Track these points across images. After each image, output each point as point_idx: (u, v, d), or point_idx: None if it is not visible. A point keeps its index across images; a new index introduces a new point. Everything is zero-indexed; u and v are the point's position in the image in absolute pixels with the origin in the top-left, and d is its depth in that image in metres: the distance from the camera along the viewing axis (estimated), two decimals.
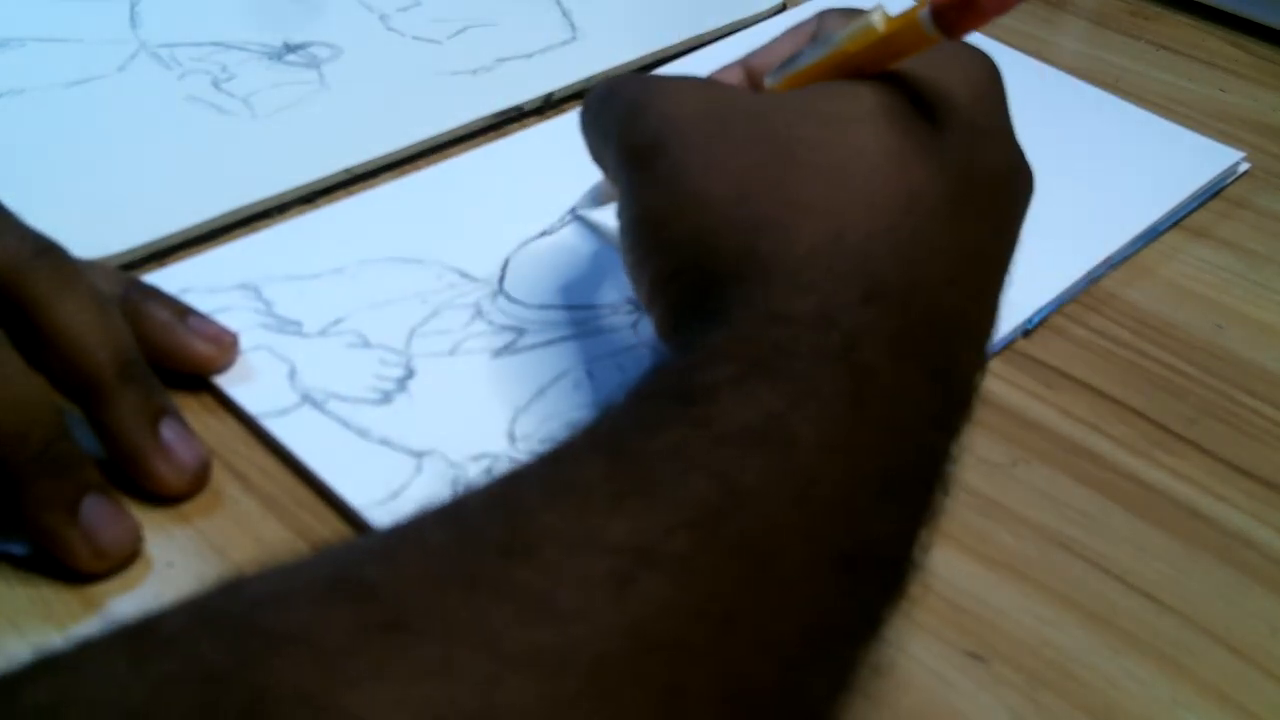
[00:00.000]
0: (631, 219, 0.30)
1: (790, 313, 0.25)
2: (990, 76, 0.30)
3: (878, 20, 0.28)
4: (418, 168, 0.43)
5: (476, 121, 0.45)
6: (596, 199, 0.39)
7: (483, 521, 0.21)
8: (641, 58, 0.50)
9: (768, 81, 0.32)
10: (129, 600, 0.29)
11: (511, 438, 0.33)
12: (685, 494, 0.22)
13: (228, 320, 0.35)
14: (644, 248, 0.30)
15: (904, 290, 0.26)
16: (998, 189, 0.29)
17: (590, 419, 0.24)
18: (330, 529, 0.31)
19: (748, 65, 0.35)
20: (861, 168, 0.27)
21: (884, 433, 0.25)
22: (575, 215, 0.41)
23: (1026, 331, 0.40)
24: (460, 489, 0.23)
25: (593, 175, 0.43)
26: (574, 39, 0.51)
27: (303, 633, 0.19)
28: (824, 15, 0.33)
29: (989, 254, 0.29)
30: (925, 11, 0.26)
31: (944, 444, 0.27)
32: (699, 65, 0.50)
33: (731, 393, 0.23)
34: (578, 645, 0.19)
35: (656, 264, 0.29)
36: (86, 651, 0.20)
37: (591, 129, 0.33)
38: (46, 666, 0.19)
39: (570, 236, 0.41)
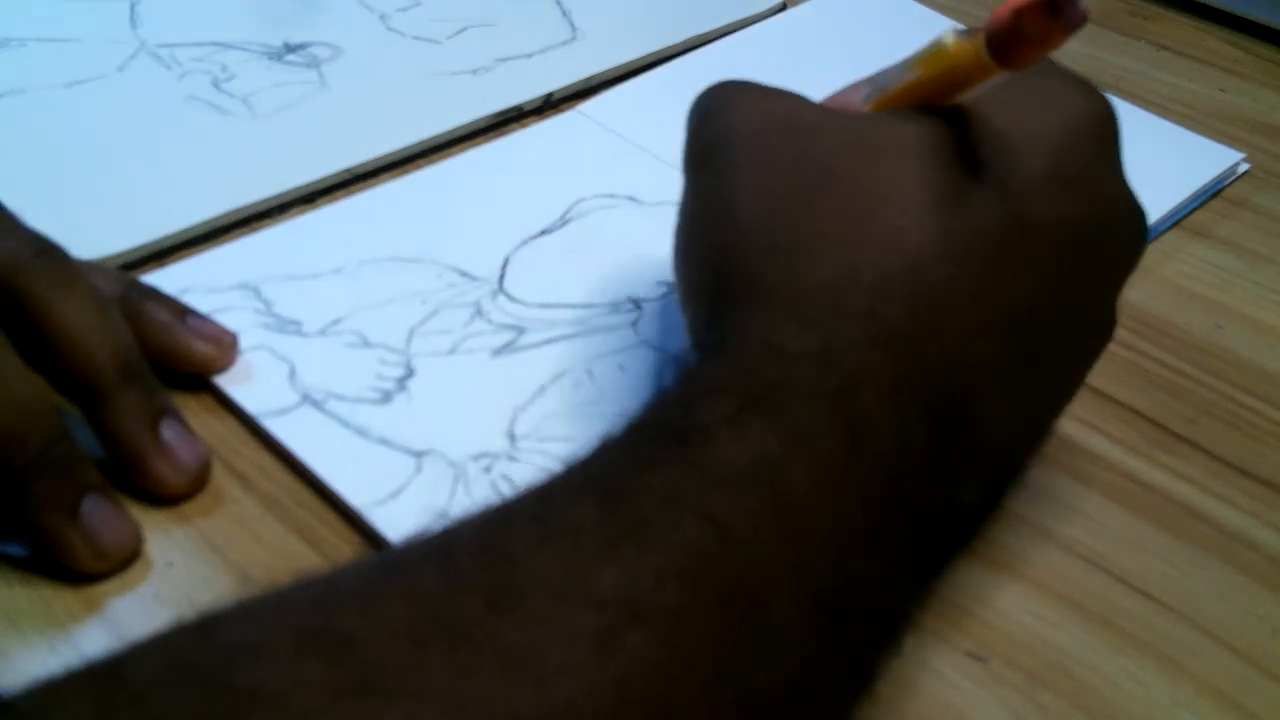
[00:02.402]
0: (678, 223, 0.31)
1: (791, 348, 0.25)
2: (1092, 119, 0.29)
3: (948, 40, 0.27)
4: (418, 168, 0.43)
5: (476, 121, 0.45)
6: None
7: (470, 565, 0.21)
8: (641, 58, 0.50)
9: (859, 102, 0.31)
10: (129, 600, 0.29)
11: (511, 437, 0.33)
12: (677, 540, 0.21)
13: (227, 320, 0.35)
14: (681, 254, 0.30)
15: (917, 337, 0.25)
16: (1072, 244, 0.27)
17: (586, 451, 0.24)
18: (330, 529, 0.31)
19: (874, 83, 0.33)
20: (894, 203, 0.26)
21: (878, 481, 0.24)
22: None
23: None
24: (451, 521, 0.22)
25: (592, 174, 0.43)
26: (574, 39, 0.51)
27: (277, 693, 0.18)
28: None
29: (1047, 315, 0.27)
30: (985, 31, 0.25)
31: (946, 497, 0.26)
32: (699, 65, 0.50)
33: (727, 432, 0.23)
34: (560, 707, 0.19)
35: (687, 273, 0.30)
36: (51, 698, 0.19)
37: (686, 123, 0.33)
38: (7, 711, 0.19)
39: (571, 235, 0.41)
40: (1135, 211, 0.30)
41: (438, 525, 0.22)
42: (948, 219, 0.26)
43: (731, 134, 0.29)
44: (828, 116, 0.29)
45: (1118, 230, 0.29)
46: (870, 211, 0.26)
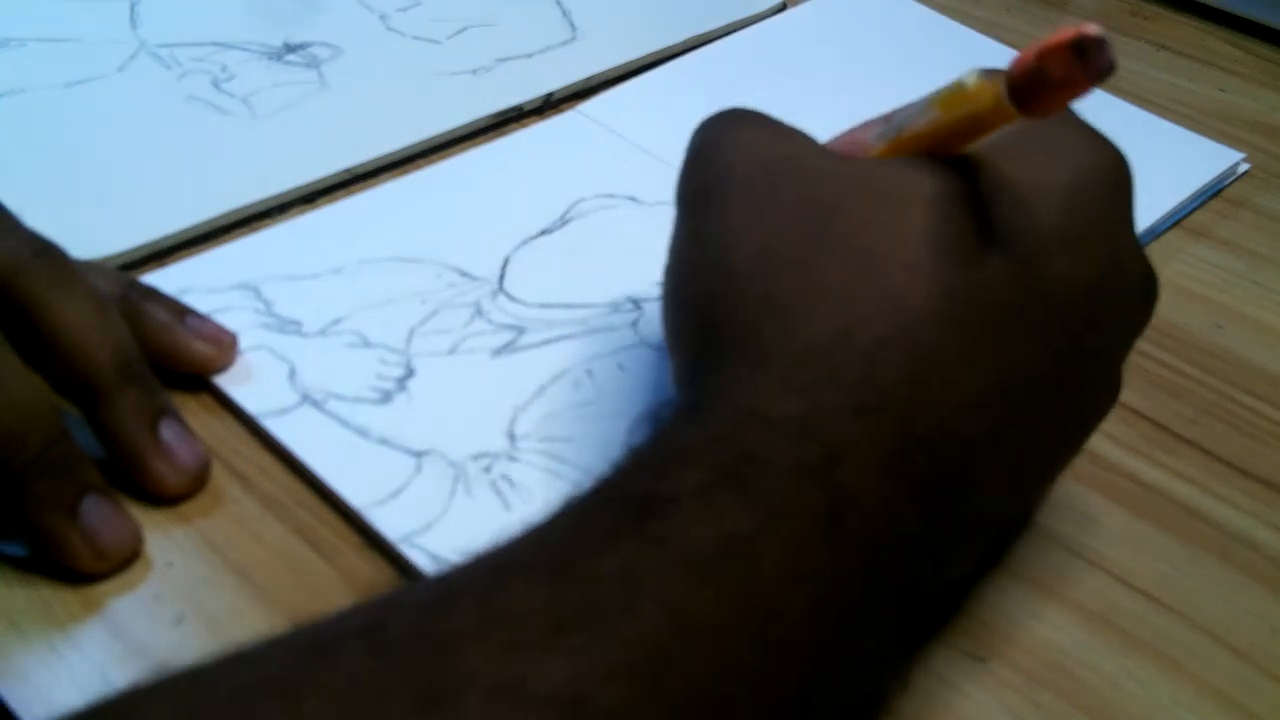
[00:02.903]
0: (668, 264, 0.29)
1: (773, 414, 0.23)
2: (1105, 174, 0.27)
3: (969, 81, 0.25)
4: (418, 168, 0.43)
5: (476, 121, 0.45)
6: None
7: (403, 654, 0.19)
8: (641, 58, 0.50)
9: (871, 138, 0.30)
10: (129, 600, 0.29)
11: (511, 437, 0.33)
12: (631, 629, 0.19)
13: (227, 320, 0.35)
14: (669, 298, 0.29)
15: (908, 405, 0.24)
16: (1079, 307, 0.26)
17: (546, 515, 0.22)
18: (330, 529, 0.31)
19: (890, 119, 0.31)
20: (896, 259, 0.25)
21: (859, 562, 0.22)
22: None
23: None
24: (394, 592, 0.21)
25: (592, 174, 0.43)
26: (574, 39, 0.51)
27: None
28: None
29: (1050, 381, 0.26)
30: (1004, 83, 0.24)
31: (933, 574, 0.25)
32: (699, 65, 0.50)
33: (693, 507, 0.21)
34: None
35: (675, 318, 0.28)
36: None
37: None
38: None
39: (570, 235, 0.41)
40: (1146, 273, 0.28)
41: (379, 595, 0.21)
42: (951, 279, 0.25)
43: (730, 175, 0.27)
44: (833, 162, 0.27)
45: (1127, 292, 0.28)
46: (870, 268, 0.25)
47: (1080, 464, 0.35)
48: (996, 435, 0.25)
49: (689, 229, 0.28)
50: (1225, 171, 0.47)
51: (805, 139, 0.29)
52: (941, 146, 0.27)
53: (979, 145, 0.27)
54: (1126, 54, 0.55)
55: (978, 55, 0.53)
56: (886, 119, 0.31)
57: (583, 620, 0.19)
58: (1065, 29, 0.23)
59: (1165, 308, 0.41)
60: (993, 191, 0.26)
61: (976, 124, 0.26)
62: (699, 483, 0.22)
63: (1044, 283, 0.26)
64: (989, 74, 0.25)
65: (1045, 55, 0.23)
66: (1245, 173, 0.48)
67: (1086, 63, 0.23)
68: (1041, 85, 0.23)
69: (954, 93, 0.26)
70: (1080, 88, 0.23)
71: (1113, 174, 0.28)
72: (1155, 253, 0.43)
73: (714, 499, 0.22)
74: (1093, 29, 0.23)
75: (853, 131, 0.31)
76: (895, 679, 0.24)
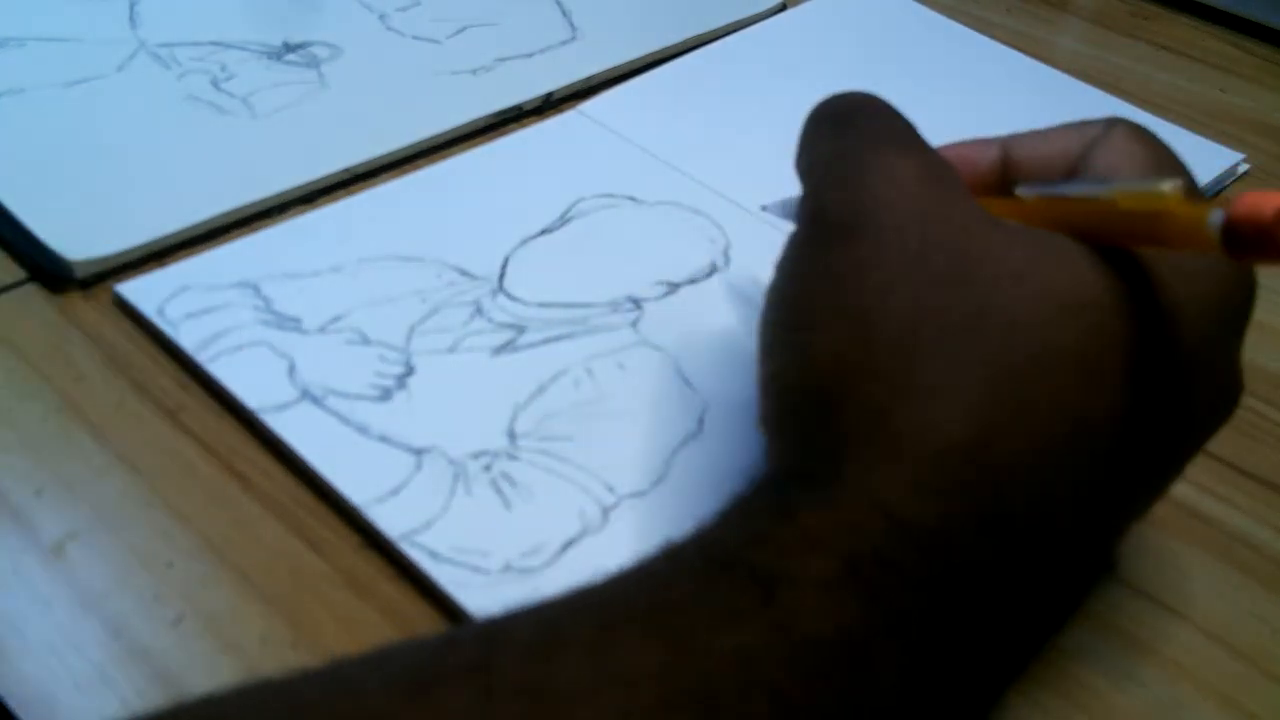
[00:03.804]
0: (782, 293, 0.27)
1: (904, 516, 0.22)
2: (1238, 294, 0.26)
3: (1169, 191, 0.23)
4: (417, 167, 0.43)
5: (476, 121, 0.45)
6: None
7: (509, 703, 0.19)
8: (641, 58, 0.50)
9: (1020, 192, 0.28)
10: (129, 600, 0.29)
11: (511, 435, 0.33)
12: (741, 713, 0.19)
13: (226, 317, 0.35)
14: (779, 332, 0.26)
15: (1034, 522, 0.23)
16: (1188, 427, 0.26)
17: (653, 560, 0.22)
18: (330, 530, 0.31)
19: (1008, 149, 0.30)
20: (1046, 371, 0.23)
21: (969, 665, 0.22)
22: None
23: None
24: (502, 620, 0.20)
25: (592, 174, 0.43)
26: (574, 39, 0.51)
27: None
28: (1113, 126, 0.28)
29: (1140, 492, 0.26)
30: (1217, 217, 0.22)
31: (1028, 660, 0.25)
32: (699, 65, 0.50)
33: (817, 598, 0.21)
34: None
35: (782, 358, 0.26)
36: None
37: (805, 147, 0.29)
38: None
39: (570, 235, 0.41)
40: (1238, 386, 0.28)
41: (481, 625, 0.20)
42: (1092, 402, 0.23)
43: (883, 216, 0.25)
44: (996, 229, 0.25)
45: (1224, 409, 0.28)
46: (1020, 372, 0.23)
47: None
48: (1094, 544, 0.26)
49: (822, 262, 0.26)
50: (1225, 172, 0.47)
51: (960, 185, 0.26)
52: (1097, 234, 0.25)
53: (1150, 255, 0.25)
54: (1126, 54, 0.55)
55: (978, 55, 0.53)
56: (1004, 145, 0.29)
57: (694, 696, 0.19)
58: None
59: None
60: (1150, 307, 0.24)
61: (1157, 237, 0.24)
62: (823, 574, 0.21)
63: (1161, 409, 0.25)
64: (1177, 188, 0.23)
65: (1276, 227, 0.21)
66: (1245, 173, 0.48)
67: None
68: (1267, 240, 0.21)
69: (1149, 198, 0.24)
70: None
71: (1243, 296, 0.27)
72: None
73: (837, 594, 0.21)
74: None
75: (962, 148, 0.30)
76: None
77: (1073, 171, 0.28)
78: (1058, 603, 0.25)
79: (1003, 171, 0.30)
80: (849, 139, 0.27)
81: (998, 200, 0.28)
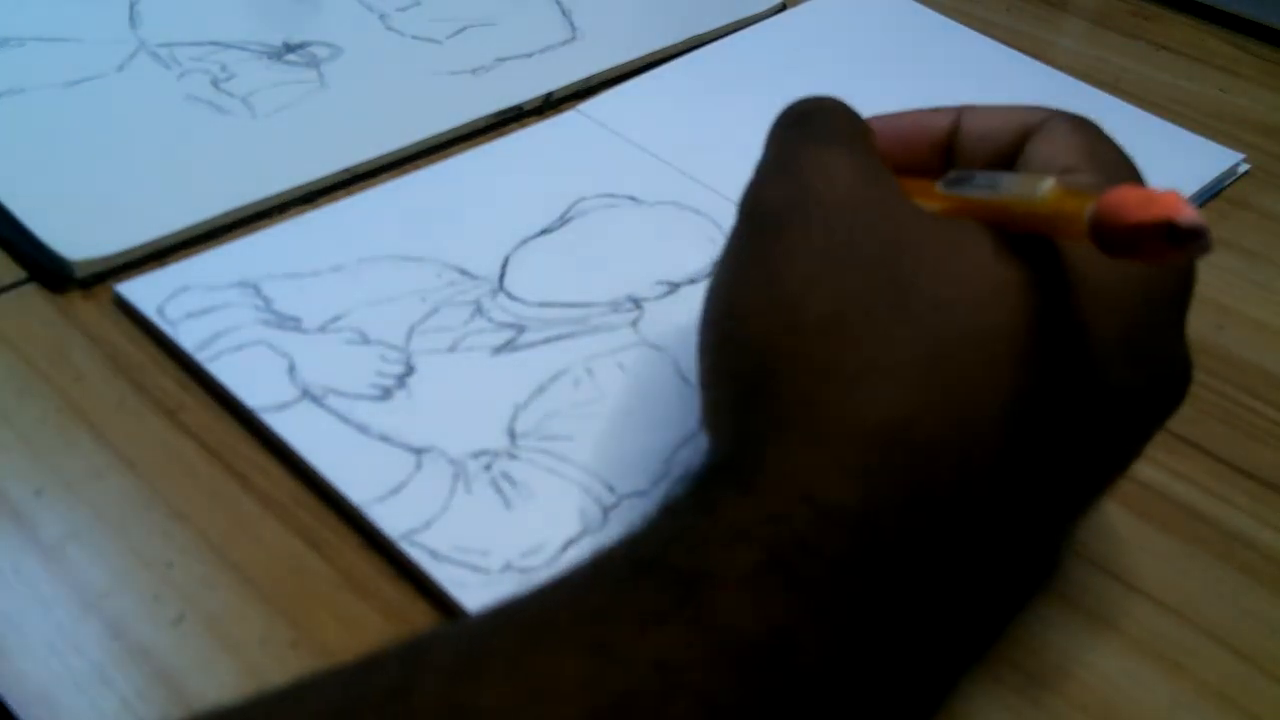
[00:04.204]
0: (717, 286, 0.27)
1: (827, 499, 0.22)
2: (1174, 276, 0.27)
3: (1044, 192, 0.24)
4: (418, 167, 0.43)
5: (476, 121, 0.45)
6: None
7: None
8: (641, 58, 0.50)
9: (937, 188, 0.28)
10: (129, 600, 0.29)
11: (511, 435, 0.33)
12: None
13: (226, 317, 0.35)
14: (717, 324, 0.27)
15: (962, 501, 0.23)
16: (1129, 411, 0.26)
17: (579, 569, 0.22)
18: (330, 530, 0.31)
19: (962, 117, 0.30)
20: (974, 352, 0.24)
21: (903, 659, 0.22)
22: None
23: None
24: (422, 643, 0.20)
25: (592, 174, 0.43)
26: (574, 39, 0.51)
27: None
28: (1059, 117, 0.29)
29: (1085, 471, 0.26)
30: (1090, 211, 0.22)
31: (980, 643, 0.25)
32: (699, 65, 0.50)
33: (739, 592, 0.21)
34: None
35: (721, 351, 0.26)
36: None
37: (764, 148, 0.29)
38: None
39: (570, 234, 0.41)
40: (1187, 371, 0.28)
41: (408, 643, 0.20)
42: (1022, 384, 0.24)
43: (810, 206, 0.26)
44: (917, 218, 0.26)
45: (1171, 395, 0.27)
46: (944, 354, 0.24)
47: None
48: (1039, 524, 0.25)
49: (754, 252, 0.26)
50: (1225, 172, 0.47)
51: (889, 178, 0.27)
52: (1017, 226, 0.26)
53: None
54: (1126, 54, 0.55)
55: (978, 55, 0.53)
56: (959, 114, 0.30)
57: (618, 706, 0.19)
58: (1163, 198, 0.21)
59: None
60: (1076, 291, 0.25)
61: (1056, 231, 0.25)
62: (744, 567, 0.21)
63: (1098, 392, 0.25)
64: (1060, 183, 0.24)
65: (1137, 231, 0.21)
66: (1245, 173, 0.48)
67: (1176, 247, 0.21)
68: (1125, 243, 0.22)
69: (1029, 200, 0.25)
70: (1170, 258, 0.21)
71: (1180, 277, 0.27)
72: None
73: (759, 586, 0.21)
74: (1188, 215, 0.20)
75: (919, 115, 0.30)
76: None
77: (1014, 150, 0.29)
78: (1000, 587, 0.25)
79: (952, 137, 0.30)
80: (791, 137, 0.28)
81: (926, 193, 0.29)
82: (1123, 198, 0.21)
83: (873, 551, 0.22)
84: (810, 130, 0.28)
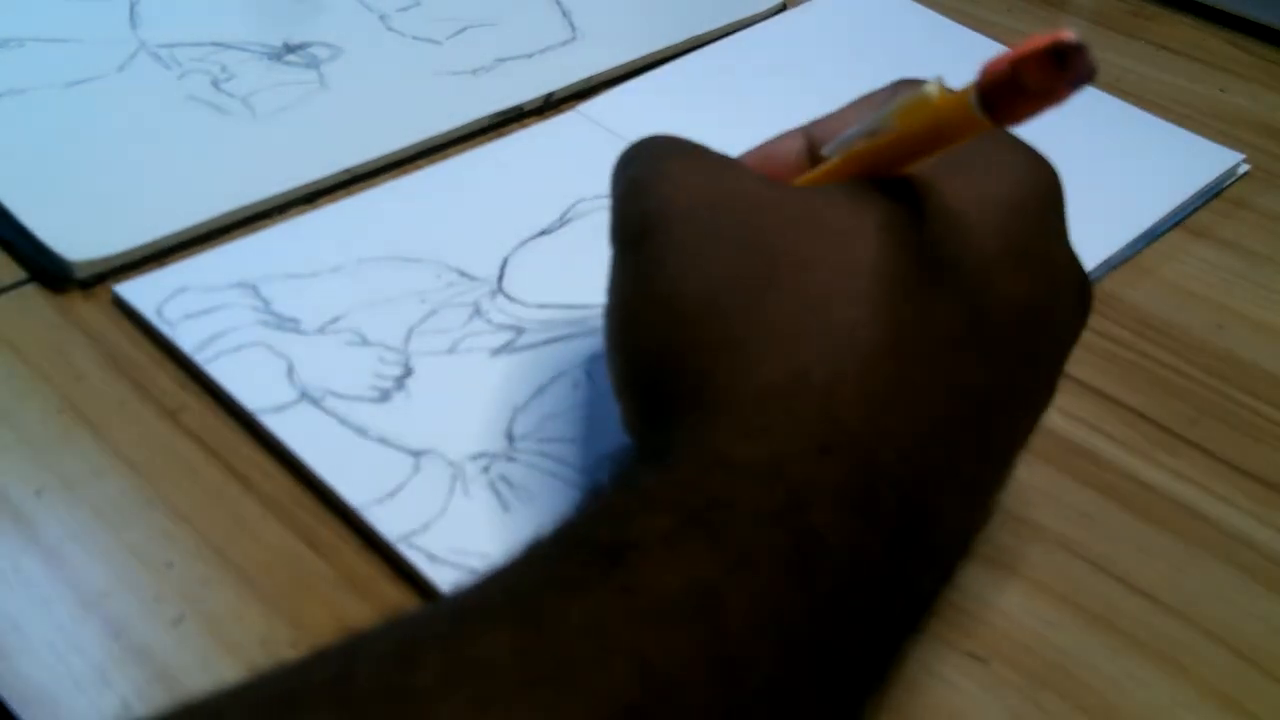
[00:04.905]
0: (609, 305, 0.28)
1: (735, 458, 0.23)
2: (1041, 188, 0.27)
3: (933, 91, 0.25)
4: (418, 168, 0.43)
5: (476, 121, 0.45)
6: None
7: (373, 706, 0.19)
8: (641, 58, 0.50)
9: (825, 152, 0.29)
10: (129, 600, 0.29)
11: (510, 437, 0.33)
12: (599, 682, 0.19)
13: (224, 317, 0.35)
14: (613, 341, 0.28)
15: (871, 441, 0.23)
16: (1024, 323, 0.26)
17: (510, 558, 0.22)
18: (330, 530, 0.31)
19: (809, 133, 0.31)
20: (845, 294, 0.24)
21: (828, 603, 0.22)
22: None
23: None
24: (359, 637, 0.20)
25: (592, 175, 0.43)
26: (574, 39, 0.51)
27: None
28: (899, 84, 0.30)
29: (999, 399, 0.26)
30: (977, 78, 0.23)
31: (905, 609, 0.25)
32: (699, 65, 0.50)
33: (660, 554, 0.21)
34: None
35: (620, 362, 0.27)
36: None
37: (611, 187, 0.30)
38: None
39: (570, 236, 0.41)
40: (1082, 281, 0.29)
41: (346, 638, 0.20)
42: (900, 310, 0.24)
43: (669, 211, 0.27)
44: (770, 191, 0.27)
45: (1065, 304, 0.28)
46: (819, 303, 0.24)
47: (1080, 464, 0.35)
48: (954, 459, 0.25)
49: (629, 271, 0.27)
50: (1225, 172, 0.47)
51: (740, 167, 0.28)
52: (895, 162, 0.26)
53: (916, 166, 0.27)
54: (1126, 54, 0.55)
55: (977, 55, 0.52)
56: (806, 132, 0.31)
57: (551, 674, 0.19)
58: (1039, 36, 0.22)
59: (1165, 308, 0.41)
60: (935, 216, 0.26)
61: (940, 136, 0.25)
62: (665, 529, 0.21)
63: (988, 304, 0.26)
64: (932, 84, 0.25)
65: (1020, 64, 0.22)
66: (1245, 173, 0.48)
67: (1065, 71, 0.21)
68: (1016, 95, 0.22)
69: (916, 104, 0.25)
70: (1059, 96, 0.22)
71: (1047, 187, 0.28)
72: (1155, 253, 0.43)
73: (680, 546, 0.21)
74: (1070, 35, 0.21)
75: (768, 145, 0.31)
76: (867, 706, 0.24)
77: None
78: (927, 532, 0.25)
79: (811, 156, 0.31)
80: (635, 165, 0.29)
81: (813, 174, 0.29)
82: (1000, 55, 0.22)
83: (786, 501, 0.22)
84: (648, 153, 0.29)
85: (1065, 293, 0.28)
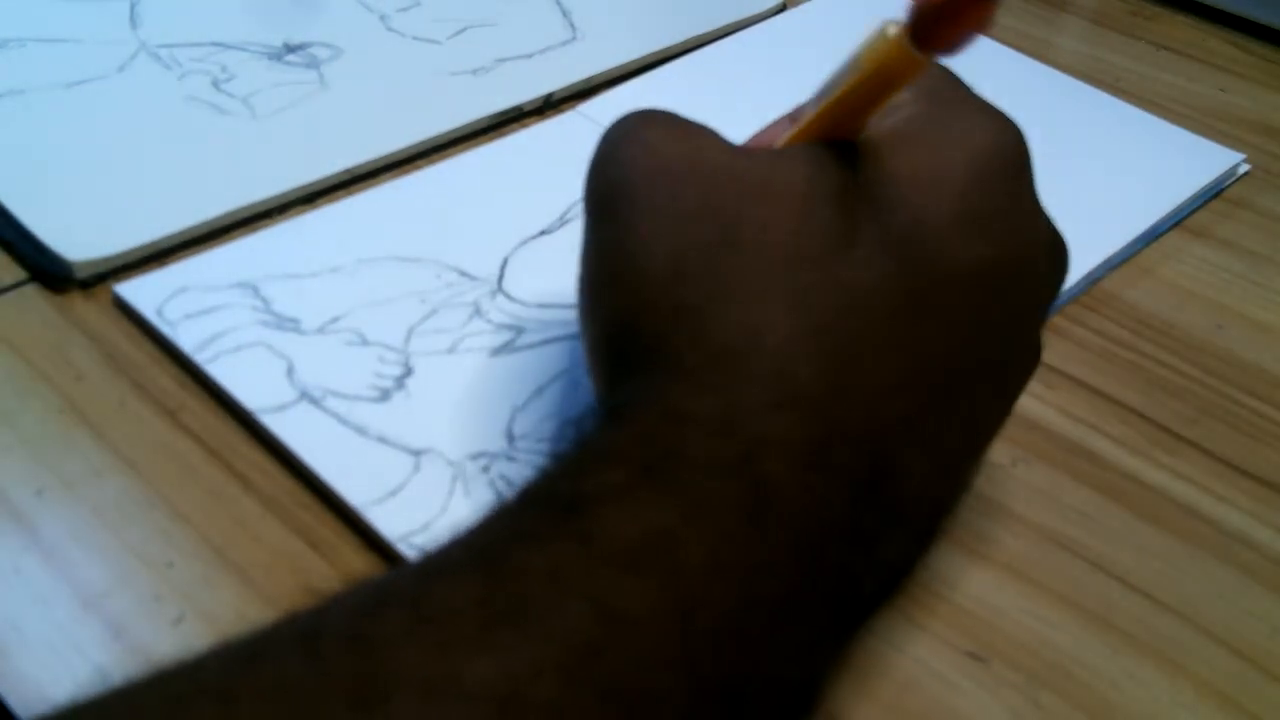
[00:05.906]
0: (580, 274, 0.29)
1: (690, 413, 0.23)
2: (1003, 151, 0.28)
3: (891, 30, 0.25)
4: (418, 168, 0.43)
5: (476, 121, 0.45)
6: None
7: (336, 656, 0.19)
8: (641, 58, 0.50)
9: (805, 107, 0.30)
10: (128, 600, 0.29)
11: (509, 436, 0.33)
12: (559, 625, 0.20)
13: (224, 317, 0.35)
14: (582, 307, 0.28)
15: (826, 397, 0.24)
16: (987, 287, 0.27)
17: (475, 520, 0.23)
18: (330, 530, 0.31)
19: (795, 117, 0.31)
20: (798, 257, 0.25)
21: (785, 553, 0.23)
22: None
23: None
24: (328, 598, 0.21)
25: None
26: (574, 39, 0.51)
27: None
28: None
29: (965, 362, 0.27)
30: (908, 12, 0.24)
31: (865, 559, 0.25)
32: (699, 66, 0.50)
33: (617, 504, 0.22)
34: None
35: (590, 329, 0.28)
36: None
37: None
38: None
39: (569, 236, 0.40)
40: (1055, 242, 0.29)
41: (320, 600, 0.21)
42: (852, 272, 0.25)
43: (632, 179, 0.27)
44: (733, 158, 0.27)
45: (1036, 264, 0.28)
46: (772, 266, 0.25)
47: (1080, 464, 0.35)
48: (917, 418, 0.26)
49: (596, 239, 0.28)
50: (1225, 172, 0.47)
51: (709, 136, 0.28)
52: (853, 118, 0.27)
53: (878, 133, 0.27)
54: (1126, 54, 0.55)
55: (977, 55, 0.52)
56: (799, 109, 0.31)
57: (512, 617, 0.20)
58: None
59: (1165, 308, 0.41)
60: (894, 181, 0.26)
61: (885, 81, 0.25)
62: (622, 480, 0.22)
63: (946, 267, 0.26)
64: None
65: None
66: (1245, 173, 0.48)
67: None
68: (940, 17, 0.23)
69: (878, 43, 0.25)
70: (982, 13, 0.23)
71: (1011, 148, 0.28)
72: (1155, 253, 0.43)
73: (637, 495, 0.22)
74: None
75: (769, 129, 0.31)
76: (829, 665, 0.25)
77: None
78: (890, 488, 0.25)
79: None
80: (607, 137, 0.29)
81: (790, 134, 0.29)
82: None
83: (740, 454, 0.23)
84: (620, 124, 0.29)
85: (1033, 253, 0.28)
